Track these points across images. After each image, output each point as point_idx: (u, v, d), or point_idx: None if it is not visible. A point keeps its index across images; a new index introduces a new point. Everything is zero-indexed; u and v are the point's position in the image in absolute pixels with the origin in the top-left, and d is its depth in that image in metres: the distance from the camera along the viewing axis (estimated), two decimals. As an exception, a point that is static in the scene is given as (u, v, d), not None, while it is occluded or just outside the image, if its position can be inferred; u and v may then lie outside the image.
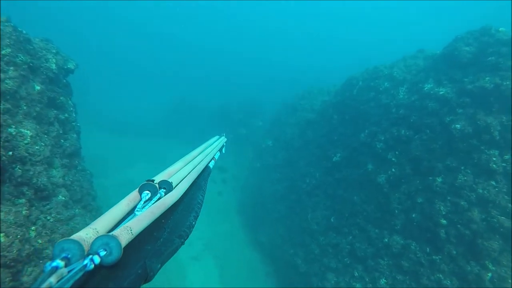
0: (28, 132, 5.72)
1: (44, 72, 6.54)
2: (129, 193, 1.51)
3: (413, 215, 7.81)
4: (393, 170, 8.56)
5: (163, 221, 1.49)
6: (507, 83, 7.07)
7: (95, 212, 7.36)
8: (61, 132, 6.78)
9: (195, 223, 1.76)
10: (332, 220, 10.27)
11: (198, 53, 51.28)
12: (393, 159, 8.66)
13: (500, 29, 7.85)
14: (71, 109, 7.65)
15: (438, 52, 8.44)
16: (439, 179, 7.45)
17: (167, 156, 20.71)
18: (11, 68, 5.72)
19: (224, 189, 17.82)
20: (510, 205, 6.72)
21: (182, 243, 1.54)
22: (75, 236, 1.01)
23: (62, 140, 6.82)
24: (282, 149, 14.26)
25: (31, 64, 6.22)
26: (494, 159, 6.90)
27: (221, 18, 58.71)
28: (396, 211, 8.24)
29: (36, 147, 5.74)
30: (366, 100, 10.30)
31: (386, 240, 8.25)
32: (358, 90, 10.74)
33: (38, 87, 6.30)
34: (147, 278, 1.19)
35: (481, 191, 6.89)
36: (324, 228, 10.51)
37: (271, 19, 58.81)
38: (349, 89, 11.12)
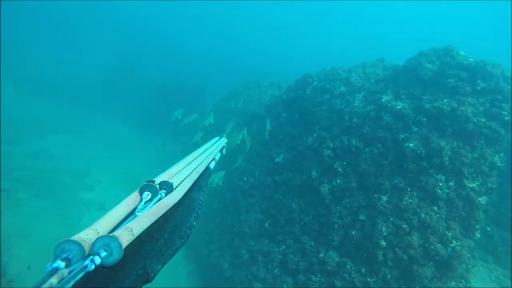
0: None
1: None
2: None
3: (353, 232, 7.29)
4: (338, 181, 7.96)
5: (163, 222, 1.47)
6: (463, 108, 6.81)
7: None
8: None
9: (196, 223, 1.72)
10: (266, 225, 9.46)
11: (150, 17, 46.46)
12: (339, 169, 8.06)
13: (461, 52, 7.62)
14: None
15: (400, 64, 8.01)
16: (385, 198, 6.99)
17: (90, 128, 18.18)
18: None
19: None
20: (447, 232, 6.51)
21: (183, 244, 1.51)
22: (75, 237, 0.99)
23: None
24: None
25: None
26: (440, 184, 6.60)
27: None
28: (336, 226, 7.67)
29: None
30: (319, 102, 9.59)
31: (321, 255, 7.65)
32: (312, 90, 9.99)
33: None
34: (147, 279, 1.17)
35: (423, 215, 6.56)
36: (256, 232, 9.66)
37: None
38: (303, 87, 10.33)
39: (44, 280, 0.81)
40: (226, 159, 12.18)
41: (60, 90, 20.39)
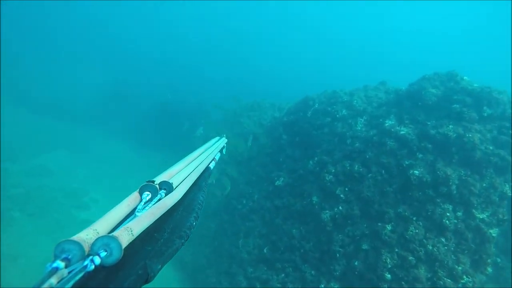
0: None
1: None
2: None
3: (356, 263, 6.86)
4: (340, 208, 7.59)
5: (163, 222, 1.43)
6: (470, 135, 6.52)
7: None
8: None
9: (195, 223, 1.70)
10: (265, 251, 9.01)
11: (143, 38, 46.96)
12: (341, 195, 7.71)
13: (465, 77, 7.42)
14: None
15: (403, 88, 7.80)
16: (389, 227, 6.61)
17: (89, 147, 17.91)
18: None
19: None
20: (457, 266, 6.09)
21: (183, 244, 1.49)
22: (75, 237, 0.98)
23: None
24: (222, 162, 12.77)
25: None
26: (448, 214, 6.23)
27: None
28: (338, 255, 7.25)
29: None
30: (320, 125, 9.34)
31: (323, 286, 7.19)
32: (313, 112, 9.76)
33: None
34: (147, 279, 1.15)
35: (430, 247, 6.16)
36: (255, 258, 9.20)
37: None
38: (304, 109, 10.11)
39: (43, 280, 0.80)
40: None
41: (59, 109, 20.30)
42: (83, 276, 0.92)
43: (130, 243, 1.12)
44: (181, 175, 1.83)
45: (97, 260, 0.97)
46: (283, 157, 10.13)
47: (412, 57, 50.79)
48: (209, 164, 2.47)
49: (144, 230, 1.23)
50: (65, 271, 0.88)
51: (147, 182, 1.53)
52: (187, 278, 11.15)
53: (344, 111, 8.93)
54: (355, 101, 8.84)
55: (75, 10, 46.06)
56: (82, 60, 30.72)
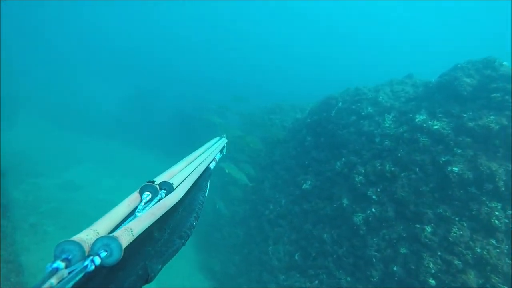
0: None
1: None
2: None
3: (395, 268, 6.39)
4: (373, 210, 7.15)
5: (163, 222, 1.42)
6: (515, 125, 5.94)
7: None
8: None
9: (196, 223, 1.70)
10: (296, 257, 8.67)
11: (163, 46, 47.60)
12: (373, 196, 7.26)
13: (504, 63, 6.80)
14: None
15: (433, 80, 7.27)
16: (429, 229, 6.11)
17: (114, 158, 18.19)
18: None
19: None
20: None
21: (183, 244, 1.50)
22: (75, 238, 0.97)
23: None
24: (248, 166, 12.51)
25: None
26: (496, 213, 5.67)
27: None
28: (374, 260, 6.80)
29: None
30: (345, 124, 8.91)
31: (360, 293, 6.78)
32: (337, 112, 9.35)
33: None
34: (147, 279, 1.16)
35: (479, 250, 5.62)
36: (286, 265, 8.88)
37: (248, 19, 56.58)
38: (327, 109, 9.71)
39: (44, 281, 0.79)
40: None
41: (82, 122, 20.81)
42: (83, 277, 0.91)
43: (130, 243, 1.10)
44: (182, 175, 1.82)
45: (97, 261, 0.96)
46: (308, 160, 9.76)
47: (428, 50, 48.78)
48: (209, 164, 2.44)
49: (144, 231, 1.21)
50: (65, 272, 0.87)
51: (147, 182, 1.52)
52: (218, 286, 10.97)
53: (369, 108, 8.47)
54: (380, 97, 8.37)
55: (94, 23, 47.52)
56: (102, 72, 31.53)
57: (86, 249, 0.97)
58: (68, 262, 0.91)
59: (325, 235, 8.15)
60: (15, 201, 11.26)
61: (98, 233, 1.07)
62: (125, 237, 1.07)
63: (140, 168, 17.39)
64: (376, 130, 7.92)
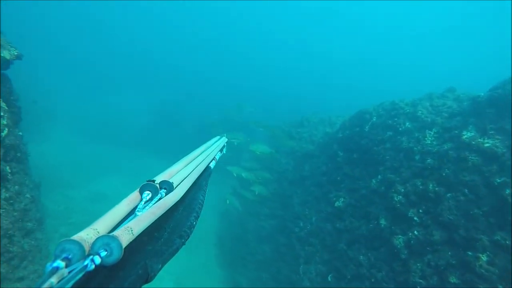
0: None
1: None
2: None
3: (443, 298, 5.84)
4: (415, 232, 6.62)
5: (164, 221, 1.43)
6: None
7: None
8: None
9: (196, 223, 1.68)
10: (329, 279, 8.19)
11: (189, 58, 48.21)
12: (415, 218, 6.74)
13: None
14: (1, 114, 5.39)
15: (482, 94, 6.73)
16: (484, 258, 5.53)
17: (142, 171, 18.26)
18: None
19: (202, 214, 15.43)
20: None
21: (183, 243, 1.49)
22: (75, 237, 0.97)
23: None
24: (273, 180, 12.18)
25: None
26: None
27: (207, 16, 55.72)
28: (418, 287, 6.26)
29: None
30: (381, 140, 8.45)
31: (404, 324, 6.23)
32: (371, 127, 8.90)
33: None
34: (147, 279, 1.15)
35: (544, 284, 5.02)
36: (318, 286, 8.41)
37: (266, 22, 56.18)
38: (360, 124, 9.28)
39: (44, 280, 0.79)
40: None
41: (111, 134, 21.15)
42: (83, 276, 0.89)
43: (131, 242, 1.08)
44: (182, 174, 1.80)
45: (98, 260, 0.95)
46: (341, 176, 9.31)
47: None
48: (209, 163, 2.41)
49: (144, 230, 1.20)
50: (66, 271, 0.86)
51: (147, 181, 1.50)
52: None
53: (407, 123, 7.99)
54: (419, 112, 7.87)
55: (123, 36, 48.92)
56: (130, 84, 32.20)
57: (86, 248, 0.96)
58: (68, 261, 0.90)
59: (361, 256, 7.65)
60: (48, 212, 11.38)
61: (98, 232, 1.05)
62: (125, 236, 1.05)
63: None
64: (416, 147, 7.42)
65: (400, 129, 8.08)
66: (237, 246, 12.06)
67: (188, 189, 1.75)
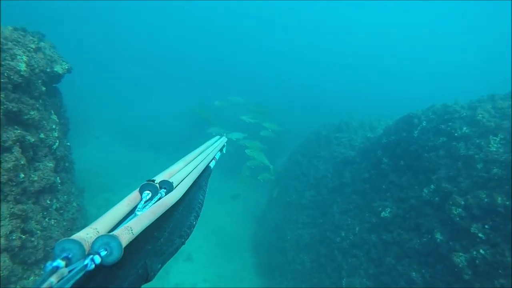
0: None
1: (6, 74, 4.18)
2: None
3: (520, 330, 4.97)
4: (481, 251, 5.76)
5: (163, 221, 1.39)
6: None
7: None
8: (22, 162, 4.33)
9: (195, 223, 1.65)
10: (377, 295, 7.47)
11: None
12: (479, 234, 5.88)
13: None
14: (53, 126, 5.28)
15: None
16: None
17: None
18: None
19: (238, 218, 15.09)
20: None
21: (183, 243, 1.46)
22: (75, 236, 0.96)
23: (22, 174, 4.36)
24: (310, 186, 11.55)
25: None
26: None
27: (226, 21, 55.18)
28: (487, 314, 5.42)
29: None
30: (432, 146, 7.61)
31: None
32: (420, 132, 8.07)
33: (-12, 96, 3.93)
34: (147, 278, 1.13)
35: None
36: (364, 303, 7.71)
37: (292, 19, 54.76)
38: (407, 129, 8.46)
39: (44, 280, 0.77)
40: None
41: (147, 139, 21.37)
42: (83, 276, 0.87)
43: (130, 242, 1.06)
44: (181, 174, 1.79)
45: (97, 259, 0.92)
46: (386, 184, 8.54)
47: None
48: (209, 163, 2.36)
49: (144, 230, 1.17)
50: (65, 270, 0.84)
51: (147, 181, 1.49)
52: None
53: (464, 128, 7.11)
54: (480, 115, 6.97)
55: (161, 42, 49.90)
56: (166, 88, 32.62)
57: (86, 247, 0.94)
58: (68, 261, 0.88)
59: (414, 273, 6.88)
60: (91, 218, 11.52)
61: (98, 231, 1.04)
62: (125, 236, 1.04)
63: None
64: (478, 154, 6.54)
65: (455, 134, 7.21)
66: (275, 254, 11.54)
67: (188, 188, 1.72)
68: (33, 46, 5.05)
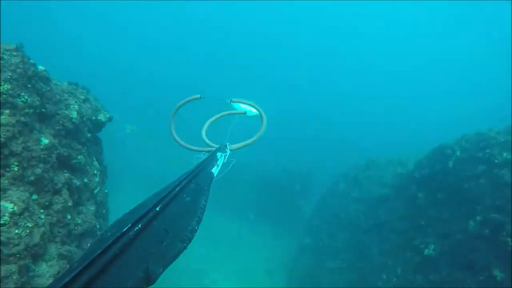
0: (11, 206, 3.42)
1: (61, 122, 4.49)
2: None
3: None
4: (551, 286, 5.15)
5: (166, 224, 1.37)
6: None
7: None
8: (70, 204, 4.43)
9: (197, 227, 1.60)
10: None
11: None
12: (545, 267, 5.30)
13: None
14: (95, 172, 5.47)
15: None
16: None
17: (204, 226, 17.82)
18: (6, 111, 3.67)
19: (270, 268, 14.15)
20: None
21: (185, 248, 1.40)
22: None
23: (69, 216, 4.42)
24: (343, 228, 10.99)
25: (42, 110, 4.20)
26: None
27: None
28: None
29: (16, 231, 3.36)
30: (472, 176, 7.25)
31: None
32: (455, 162, 7.78)
33: (46, 141, 4.18)
34: (149, 282, 1.10)
35: None
36: None
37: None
38: (441, 160, 8.18)
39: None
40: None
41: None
42: (85, 276, 0.88)
43: (131, 245, 1.08)
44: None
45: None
46: (425, 220, 8.02)
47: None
48: (211, 168, 2.35)
49: (146, 233, 1.19)
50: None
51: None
52: None
53: (505, 154, 6.80)
54: (520, 140, 6.73)
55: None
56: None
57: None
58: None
59: (474, 319, 6.12)
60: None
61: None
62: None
63: (227, 233, 16.61)
64: (525, 179, 6.17)
65: (495, 161, 6.88)
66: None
67: (191, 193, 1.70)
68: (82, 97, 5.51)
